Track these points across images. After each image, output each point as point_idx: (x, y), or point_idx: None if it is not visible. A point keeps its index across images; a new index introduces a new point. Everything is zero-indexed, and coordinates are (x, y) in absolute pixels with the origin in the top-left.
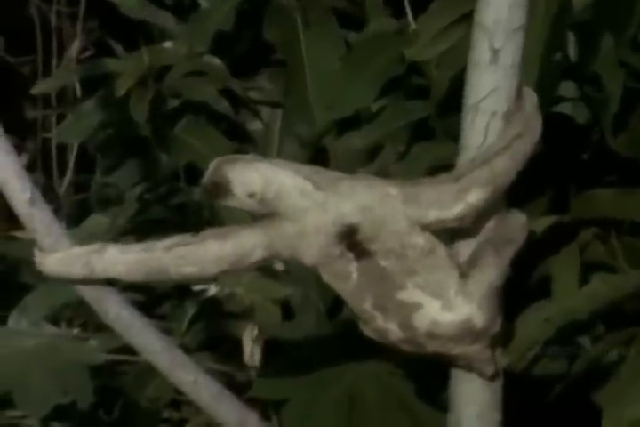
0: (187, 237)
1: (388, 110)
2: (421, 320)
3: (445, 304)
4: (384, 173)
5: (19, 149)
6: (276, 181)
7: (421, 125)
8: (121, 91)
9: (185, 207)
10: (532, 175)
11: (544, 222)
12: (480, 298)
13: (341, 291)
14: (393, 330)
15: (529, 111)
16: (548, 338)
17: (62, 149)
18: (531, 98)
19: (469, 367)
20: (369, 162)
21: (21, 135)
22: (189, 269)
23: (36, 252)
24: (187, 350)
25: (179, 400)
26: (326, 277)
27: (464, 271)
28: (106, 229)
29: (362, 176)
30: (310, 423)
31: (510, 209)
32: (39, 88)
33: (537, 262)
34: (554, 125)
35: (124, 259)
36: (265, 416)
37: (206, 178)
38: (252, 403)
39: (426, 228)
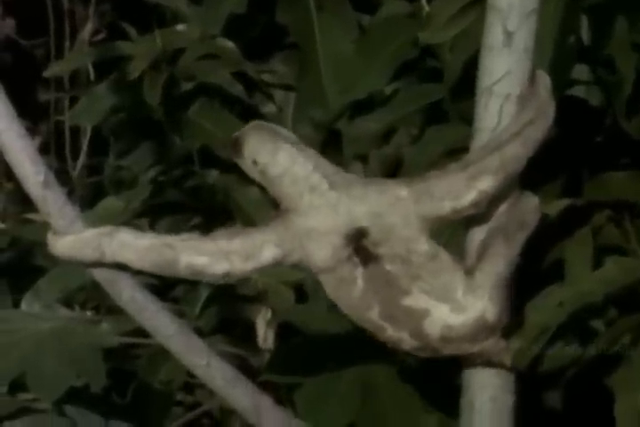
0: (195, 234)
1: (402, 93)
2: (432, 327)
3: (455, 307)
4: (397, 157)
5: (32, 131)
6: (286, 165)
7: (435, 109)
8: (134, 74)
9: (199, 190)
10: (546, 159)
11: (557, 206)
12: (490, 290)
13: (346, 300)
14: (405, 339)
15: (542, 96)
16: (560, 322)
17: (75, 131)
18: (544, 82)
19: (488, 363)
20: (383, 145)
21: (34, 118)
22: (200, 261)
23: (49, 234)
24: (200, 333)
25: (192, 384)
26: (330, 286)
27: (470, 268)
28: (119, 212)
29: (374, 180)
30: (323, 408)
31: (523, 192)
32: (52, 71)
33: (550, 246)
34: (567, 109)
35: (135, 244)
36: (279, 400)
37: (236, 133)
38: (266, 387)
39: (443, 219)
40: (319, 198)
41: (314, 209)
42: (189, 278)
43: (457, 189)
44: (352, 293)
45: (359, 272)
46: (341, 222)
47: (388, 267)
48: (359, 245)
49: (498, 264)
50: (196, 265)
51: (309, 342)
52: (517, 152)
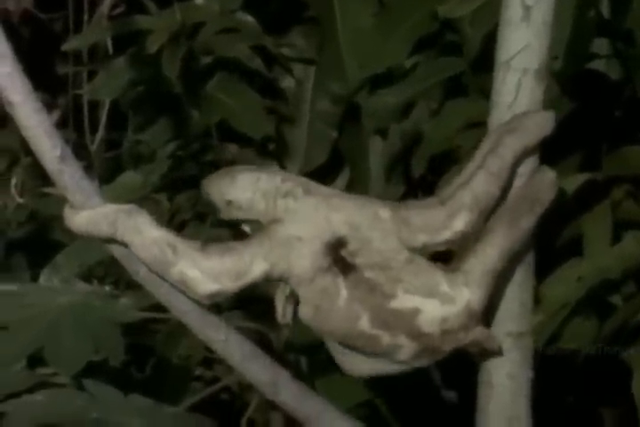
0: (198, 244)
1: (421, 67)
2: (429, 324)
3: (444, 299)
4: (417, 131)
5: (50, 105)
6: (250, 187)
7: (454, 83)
8: (153, 48)
9: (217, 164)
10: (564, 133)
11: (576, 180)
12: (478, 279)
13: (331, 313)
14: (404, 344)
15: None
16: (579, 297)
17: (94, 105)
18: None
19: (483, 352)
20: (402, 119)
21: (53, 92)
22: (192, 273)
23: (66, 209)
24: (218, 308)
25: (211, 359)
26: (312, 300)
27: (464, 253)
28: (138, 187)
29: (354, 196)
30: (340, 383)
31: (540, 166)
32: (70, 45)
33: (568, 221)
34: (586, 82)
35: (145, 232)
36: (297, 375)
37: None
38: (285, 362)
39: (414, 251)
40: (294, 202)
41: (291, 214)
42: (175, 286)
43: (434, 225)
44: (337, 303)
45: (341, 281)
46: (320, 230)
47: (368, 274)
48: (337, 255)
49: (492, 254)
50: (187, 275)
51: None
52: (486, 184)
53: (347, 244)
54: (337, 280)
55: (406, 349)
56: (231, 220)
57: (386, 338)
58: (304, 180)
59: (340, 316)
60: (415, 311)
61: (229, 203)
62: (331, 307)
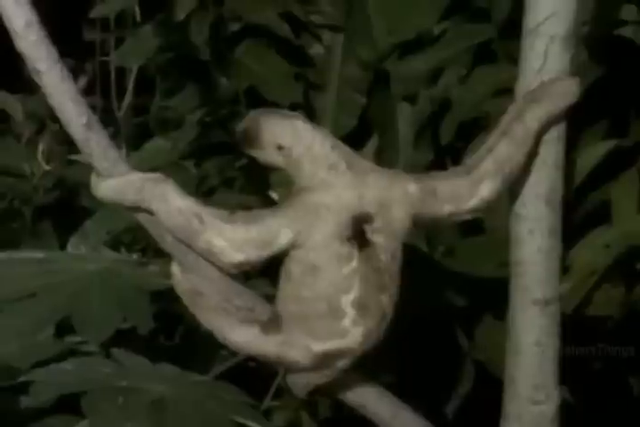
0: (225, 213)
1: (450, 33)
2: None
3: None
4: (446, 97)
5: (77, 71)
6: (307, 143)
7: (483, 49)
8: (181, 14)
9: None
10: (593, 99)
11: (603, 147)
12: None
13: (330, 277)
14: (354, 335)
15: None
16: (607, 264)
17: (121, 71)
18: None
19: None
20: (430, 85)
21: (80, 58)
22: (219, 243)
23: (92, 176)
24: (246, 276)
25: None
26: (317, 262)
27: None
28: (166, 153)
29: (390, 171)
30: None
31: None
32: (98, 11)
33: (596, 188)
34: (615, 49)
35: (172, 200)
36: None
37: (240, 126)
38: None
39: (441, 221)
40: (335, 177)
41: (327, 186)
42: (201, 254)
43: (460, 194)
44: (343, 270)
45: (356, 253)
46: (351, 204)
47: (382, 257)
48: (359, 228)
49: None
50: (213, 245)
51: None
52: (508, 151)
53: (373, 221)
54: (352, 250)
55: (349, 340)
56: (265, 163)
57: (347, 321)
58: (348, 151)
59: (333, 281)
60: (385, 316)
61: (280, 147)
62: (337, 271)
